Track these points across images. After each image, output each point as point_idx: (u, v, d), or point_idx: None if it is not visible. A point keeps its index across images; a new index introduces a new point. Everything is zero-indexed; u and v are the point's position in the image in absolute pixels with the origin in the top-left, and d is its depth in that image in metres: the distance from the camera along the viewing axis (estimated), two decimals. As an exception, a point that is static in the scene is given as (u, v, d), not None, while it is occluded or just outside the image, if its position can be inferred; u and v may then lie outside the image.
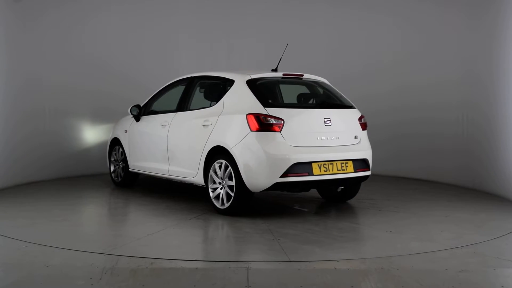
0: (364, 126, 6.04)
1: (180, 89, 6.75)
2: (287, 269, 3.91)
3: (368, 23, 9.22)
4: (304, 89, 6.40)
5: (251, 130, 5.40)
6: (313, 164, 5.43)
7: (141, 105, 7.21)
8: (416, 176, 8.59)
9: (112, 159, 7.73)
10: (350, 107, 6.13)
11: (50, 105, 8.34)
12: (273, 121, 5.40)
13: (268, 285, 3.61)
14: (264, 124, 5.37)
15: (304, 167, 5.38)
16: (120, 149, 7.52)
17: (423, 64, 8.61)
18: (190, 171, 6.09)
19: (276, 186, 5.39)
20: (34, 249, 4.34)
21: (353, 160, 5.72)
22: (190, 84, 6.59)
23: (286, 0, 9.58)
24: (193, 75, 6.66)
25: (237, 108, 5.66)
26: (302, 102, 6.23)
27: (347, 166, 5.66)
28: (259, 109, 5.47)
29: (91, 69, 8.80)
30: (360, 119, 6.03)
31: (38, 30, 8.14)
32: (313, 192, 6.75)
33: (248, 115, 5.44)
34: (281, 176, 5.32)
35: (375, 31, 9.17)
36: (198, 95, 6.54)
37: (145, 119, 7.10)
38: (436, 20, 8.48)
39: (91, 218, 6.12)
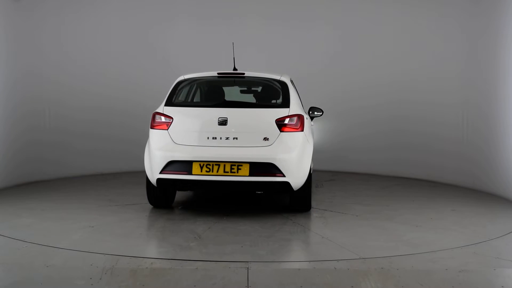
0: (289, 128, 5.40)
1: None
2: (287, 269, 3.91)
3: (370, 23, 9.22)
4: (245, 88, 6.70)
5: (150, 128, 5.69)
6: (193, 163, 5.30)
7: None
8: (416, 176, 8.60)
9: None
10: (270, 106, 5.82)
11: (50, 105, 8.35)
12: (162, 119, 5.58)
13: (268, 285, 3.61)
14: (156, 122, 5.63)
15: (183, 165, 5.34)
16: None
17: (424, 64, 8.61)
18: None
19: (159, 182, 5.48)
20: (34, 249, 4.34)
21: (250, 163, 5.24)
22: None
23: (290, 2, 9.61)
24: None
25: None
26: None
27: (239, 169, 5.23)
28: (160, 107, 5.74)
29: (92, 68, 8.85)
30: (281, 120, 5.42)
31: (37, 30, 8.15)
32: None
33: (153, 114, 5.70)
34: (160, 173, 5.41)
35: (377, 32, 9.17)
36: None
37: None
38: (437, 19, 8.47)
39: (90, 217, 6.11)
